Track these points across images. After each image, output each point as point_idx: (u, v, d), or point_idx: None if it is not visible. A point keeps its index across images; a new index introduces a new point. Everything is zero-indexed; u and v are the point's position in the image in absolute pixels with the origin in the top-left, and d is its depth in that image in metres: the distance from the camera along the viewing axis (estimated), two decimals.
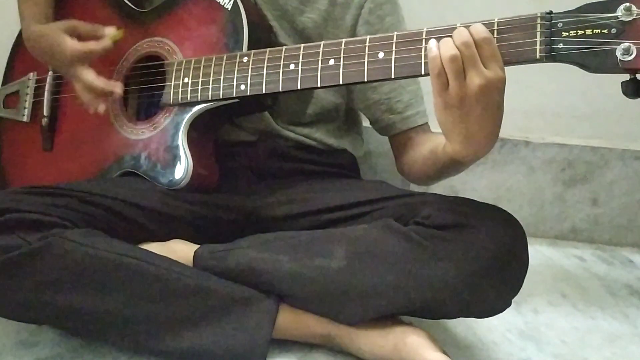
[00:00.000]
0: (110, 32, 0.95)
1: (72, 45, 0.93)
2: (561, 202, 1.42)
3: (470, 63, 0.72)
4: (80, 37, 0.95)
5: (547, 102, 1.41)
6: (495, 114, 0.75)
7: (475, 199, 0.88)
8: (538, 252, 1.35)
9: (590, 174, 1.40)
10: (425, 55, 0.76)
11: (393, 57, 0.79)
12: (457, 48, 0.72)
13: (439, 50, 0.73)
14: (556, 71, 1.29)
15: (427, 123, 1.04)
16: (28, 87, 1.12)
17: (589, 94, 1.39)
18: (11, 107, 1.13)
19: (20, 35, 1.15)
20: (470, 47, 0.71)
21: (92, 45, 0.94)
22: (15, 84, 1.14)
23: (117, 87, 0.95)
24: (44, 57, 1.01)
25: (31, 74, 1.12)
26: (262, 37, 0.95)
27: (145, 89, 1.00)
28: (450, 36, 0.73)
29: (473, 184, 1.41)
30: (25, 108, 1.11)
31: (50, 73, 1.09)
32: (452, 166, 0.88)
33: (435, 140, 0.92)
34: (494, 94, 0.73)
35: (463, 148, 0.78)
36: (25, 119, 1.11)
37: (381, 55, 0.80)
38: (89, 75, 0.94)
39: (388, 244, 0.82)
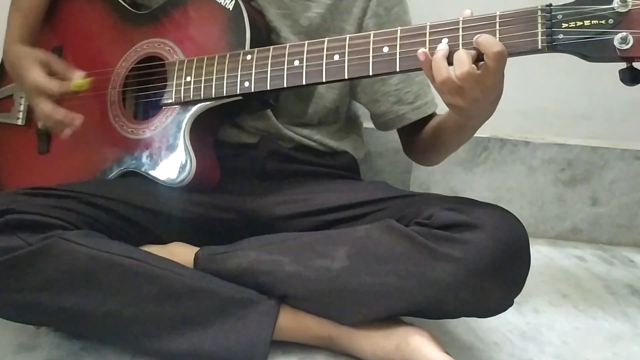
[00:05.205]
0: (76, 80, 0.95)
1: (35, 77, 0.94)
2: (561, 202, 1.42)
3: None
4: (51, 73, 0.96)
5: (546, 102, 1.41)
6: (491, 97, 0.78)
7: (475, 199, 0.88)
8: (538, 253, 1.35)
9: (590, 173, 1.40)
10: (431, 48, 0.78)
11: (398, 50, 0.80)
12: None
13: (432, 72, 0.76)
14: (555, 71, 1.30)
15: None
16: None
17: (588, 94, 1.39)
18: (5, 111, 1.12)
19: None
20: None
21: (52, 85, 0.94)
22: (8, 88, 1.12)
23: (77, 120, 0.94)
24: (14, 78, 1.02)
25: None
26: (263, 37, 0.95)
27: (145, 89, 1.00)
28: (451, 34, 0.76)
29: (473, 185, 1.41)
30: (19, 111, 1.10)
31: None
32: (456, 130, 0.91)
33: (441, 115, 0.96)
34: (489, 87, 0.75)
35: (463, 119, 0.85)
36: (20, 122, 1.10)
37: (386, 49, 0.81)
38: (46, 107, 0.94)
39: (390, 245, 0.82)
